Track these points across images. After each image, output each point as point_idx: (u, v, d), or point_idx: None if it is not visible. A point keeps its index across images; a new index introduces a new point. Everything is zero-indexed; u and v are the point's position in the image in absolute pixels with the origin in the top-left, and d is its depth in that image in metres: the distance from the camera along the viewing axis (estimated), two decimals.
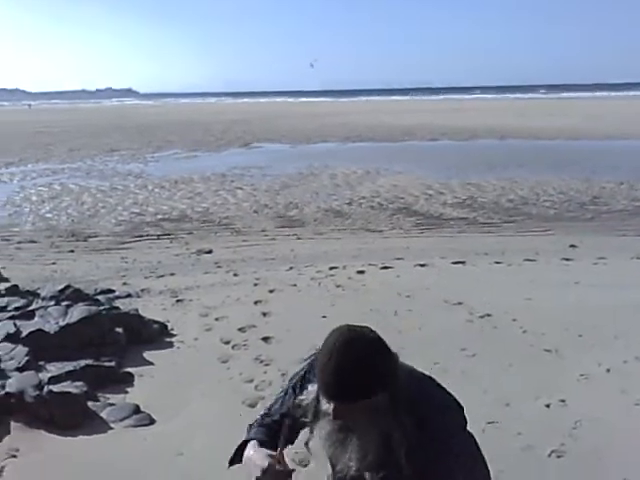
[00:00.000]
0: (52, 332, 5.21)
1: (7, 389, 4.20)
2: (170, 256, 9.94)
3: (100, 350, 5.15)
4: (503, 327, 5.75)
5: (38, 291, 6.58)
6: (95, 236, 11.71)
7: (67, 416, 4.12)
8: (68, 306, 5.76)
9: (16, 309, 5.76)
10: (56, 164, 23.26)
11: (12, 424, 4.07)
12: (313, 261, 9.02)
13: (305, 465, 3.41)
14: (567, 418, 4.04)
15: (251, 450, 1.72)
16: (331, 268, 8.23)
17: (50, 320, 5.45)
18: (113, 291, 7.21)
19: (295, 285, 7.36)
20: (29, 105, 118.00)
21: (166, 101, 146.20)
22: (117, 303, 6.53)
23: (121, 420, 4.20)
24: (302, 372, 1.81)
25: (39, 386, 4.23)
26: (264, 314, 6.27)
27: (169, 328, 5.92)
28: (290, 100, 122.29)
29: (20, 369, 4.58)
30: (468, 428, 1.68)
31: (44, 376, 4.53)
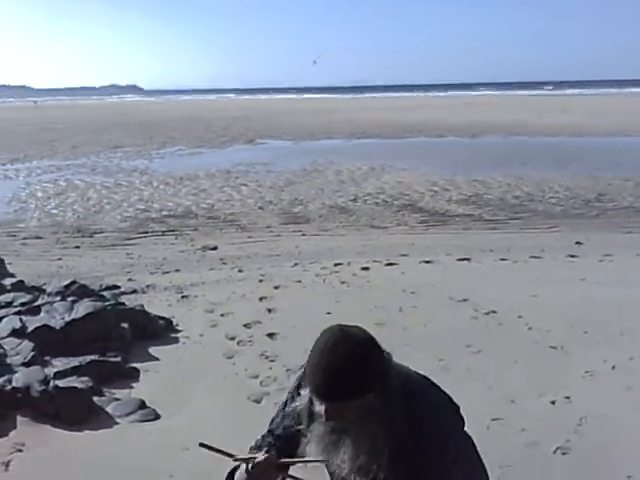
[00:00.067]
0: (58, 327, 5.22)
1: (13, 384, 4.22)
2: (175, 252, 9.96)
3: (106, 345, 5.17)
4: (508, 324, 5.75)
5: (44, 287, 6.60)
6: (100, 232, 11.74)
7: (73, 411, 4.13)
8: (74, 302, 5.77)
9: (22, 304, 5.78)
10: (61, 160, 23.32)
11: (18, 419, 4.09)
12: (318, 257, 9.02)
13: None
14: (572, 415, 4.04)
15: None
16: (336, 264, 8.24)
17: (56, 315, 5.46)
18: (118, 287, 7.22)
19: (300, 281, 7.37)
20: (35, 102, 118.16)
21: (168, 98, 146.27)
22: (122, 299, 6.55)
23: (127, 415, 4.22)
24: (297, 381, 1.80)
25: (45, 381, 4.25)
26: (269, 310, 6.28)
27: (174, 324, 5.93)
28: (293, 97, 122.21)
29: (26, 364, 4.60)
30: (469, 427, 1.67)
31: (50, 371, 4.54)
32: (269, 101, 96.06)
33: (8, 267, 7.94)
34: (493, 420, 3.96)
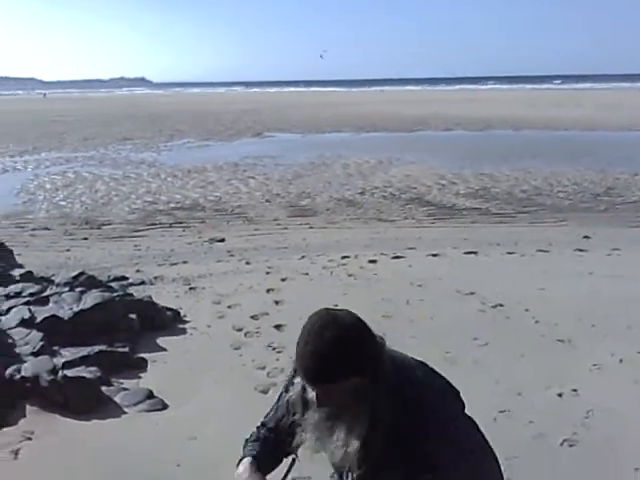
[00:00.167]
0: (66, 318, 5.25)
1: (22, 373, 4.25)
2: (183, 244, 9.99)
3: (114, 336, 5.19)
4: (515, 317, 5.74)
5: (52, 277, 6.64)
6: (108, 224, 11.78)
7: (81, 400, 4.16)
8: (82, 292, 5.80)
9: (31, 295, 5.81)
10: (70, 152, 23.39)
11: (27, 408, 4.12)
12: (325, 250, 9.03)
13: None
14: (579, 408, 4.03)
15: (245, 472, 1.70)
16: (343, 257, 8.24)
17: (64, 306, 5.49)
18: (126, 278, 7.25)
19: (307, 274, 7.38)
20: (44, 94, 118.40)
21: (177, 90, 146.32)
22: (130, 290, 6.57)
23: (134, 405, 4.24)
24: (292, 372, 1.78)
25: (54, 371, 4.28)
26: (276, 302, 6.29)
27: (182, 315, 5.95)
28: (301, 90, 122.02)
29: (35, 354, 4.63)
30: (476, 419, 1.65)
31: (58, 361, 4.57)
32: (278, 94, 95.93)
33: (17, 258, 8.00)
34: (500, 412, 3.97)
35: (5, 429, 3.90)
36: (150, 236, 10.77)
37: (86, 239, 10.63)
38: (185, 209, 12.97)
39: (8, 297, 5.81)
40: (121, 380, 4.63)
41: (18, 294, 5.86)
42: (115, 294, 5.89)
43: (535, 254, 8.40)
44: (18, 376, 4.24)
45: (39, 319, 5.21)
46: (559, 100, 51.21)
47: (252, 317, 5.87)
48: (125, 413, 4.17)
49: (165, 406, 4.26)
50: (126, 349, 5.04)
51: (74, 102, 76.97)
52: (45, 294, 5.84)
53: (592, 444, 3.63)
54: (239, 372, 4.74)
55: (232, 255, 9.03)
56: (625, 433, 3.71)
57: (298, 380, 1.64)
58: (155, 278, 7.41)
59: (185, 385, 4.55)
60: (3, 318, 5.25)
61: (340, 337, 1.47)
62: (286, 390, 1.77)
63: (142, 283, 7.15)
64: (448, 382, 1.64)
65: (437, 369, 1.73)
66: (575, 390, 4.28)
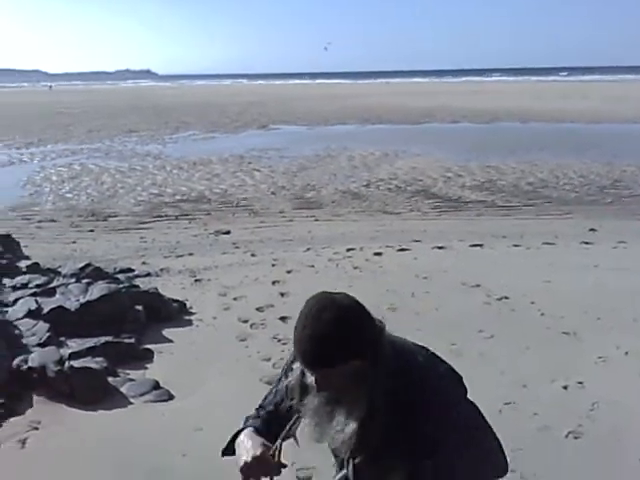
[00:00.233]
0: (73, 309, 5.28)
1: (29, 364, 4.28)
2: (189, 236, 10.01)
3: (120, 327, 5.22)
4: (521, 310, 5.74)
5: (59, 269, 6.67)
6: (114, 216, 11.81)
7: (88, 391, 4.19)
8: (88, 284, 5.83)
9: (37, 286, 5.84)
10: (75, 145, 23.43)
11: (34, 398, 4.16)
12: (330, 243, 9.03)
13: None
14: (584, 400, 4.04)
15: (246, 437, 1.67)
16: (348, 250, 8.24)
17: (71, 297, 5.52)
18: (133, 270, 7.28)
19: (313, 266, 7.38)
20: (50, 86, 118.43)
21: (182, 83, 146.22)
22: (137, 282, 6.59)
23: (141, 395, 4.27)
24: (291, 357, 1.75)
25: (60, 361, 4.30)
26: (282, 294, 6.30)
27: (188, 307, 5.98)
28: (307, 82, 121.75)
29: (41, 345, 4.66)
30: (483, 410, 1.63)
31: (65, 352, 4.60)
32: (283, 86, 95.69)
33: (23, 250, 8.03)
34: (505, 404, 3.97)
35: (12, 419, 3.93)
36: (156, 228, 10.79)
37: (92, 231, 10.66)
38: (191, 201, 12.98)
39: (15, 288, 5.84)
40: (127, 371, 4.66)
41: (25, 285, 5.89)
42: (121, 286, 5.91)
43: (541, 247, 8.38)
44: (25, 366, 4.27)
45: (46, 310, 5.24)
46: (565, 92, 50.95)
47: (258, 309, 5.89)
48: (131, 404, 4.20)
49: (171, 397, 4.29)
50: (132, 340, 5.06)
51: (80, 94, 77.01)
52: (51, 285, 5.88)
53: (597, 436, 3.63)
54: (245, 363, 4.75)
55: (237, 247, 9.04)
56: (630, 425, 3.71)
57: (297, 365, 1.62)
58: (161, 270, 7.43)
59: (191, 376, 4.57)
60: (10, 309, 5.29)
61: (338, 319, 1.44)
62: (285, 375, 1.74)
63: (148, 275, 7.17)
64: (450, 367, 1.61)
65: None
66: (580, 382, 4.28)
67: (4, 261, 6.78)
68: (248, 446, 1.62)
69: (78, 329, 5.07)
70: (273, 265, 7.53)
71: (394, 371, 1.48)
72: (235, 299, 6.22)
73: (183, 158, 19.00)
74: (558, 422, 3.77)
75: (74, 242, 9.76)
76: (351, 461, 1.54)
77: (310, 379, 1.53)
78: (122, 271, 7.08)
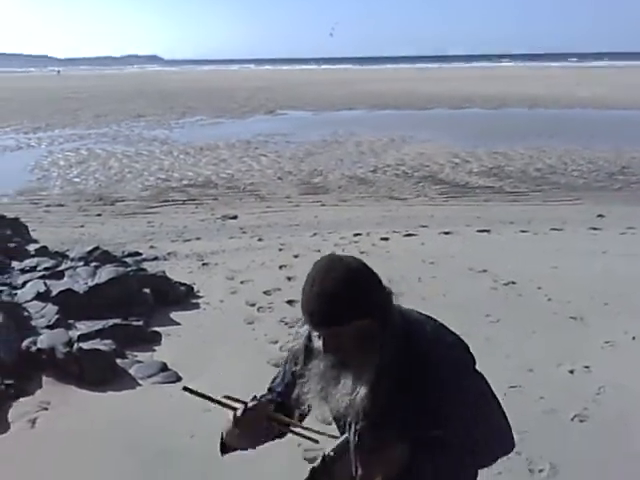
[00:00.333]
0: (81, 292, 5.31)
1: (38, 345, 4.31)
2: (196, 221, 10.03)
3: (128, 310, 5.24)
4: (528, 295, 5.73)
5: (67, 252, 6.70)
6: (122, 200, 11.83)
7: (96, 372, 4.22)
8: (97, 267, 5.86)
9: (46, 269, 5.87)
10: (83, 129, 23.45)
11: (44, 379, 4.20)
12: (337, 228, 9.03)
13: (330, 424, 3.45)
14: (591, 384, 4.04)
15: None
16: (355, 235, 8.24)
17: (79, 280, 5.55)
18: (140, 254, 7.31)
19: (319, 251, 7.38)
20: (58, 71, 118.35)
21: (189, 68, 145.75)
22: (144, 265, 6.62)
23: (148, 377, 4.30)
24: (297, 326, 1.69)
25: (69, 343, 4.33)
26: (289, 278, 6.31)
27: (195, 290, 6.00)
28: (314, 67, 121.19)
29: (50, 327, 4.69)
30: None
31: (74, 334, 4.62)
32: (290, 72, 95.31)
33: (32, 234, 8.07)
34: (511, 388, 3.97)
35: (22, 399, 3.98)
36: (163, 213, 10.81)
37: (100, 215, 10.70)
38: (198, 186, 12.99)
39: (23, 271, 5.87)
40: (135, 353, 4.69)
41: (33, 268, 5.92)
42: (129, 269, 5.93)
43: (549, 232, 8.36)
44: (34, 348, 4.30)
45: (54, 293, 5.27)
46: (575, 78, 50.53)
47: (265, 292, 5.91)
48: (139, 385, 4.23)
49: (179, 378, 4.32)
50: (140, 323, 5.09)
51: (87, 79, 76.96)
52: (60, 268, 5.90)
53: (603, 420, 3.64)
54: (252, 346, 4.78)
55: (244, 232, 9.05)
56: (637, 409, 3.72)
57: (303, 330, 1.61)
58: (168, 254, 7.45)
59: (198, 358, 4.59)
60: (19, 292, 5.32)
61: (347, 278, 1.42)
62: (293, 355, 1.70)
63: (156, 259, 7.20)
64: (458, 337, 1.58)
65: None
66: (587, 367, 4.29)
67: (13, 244, 6.82)
68: (227, 420, 1.57)
69: (87, 312, 5.10)
70: (280, 250, 7.54)
71: (403, 337, 1.46)
72: (242, 283, 6.24)
73: (190, 143, 19.00)
74: (564, 406, 3.78)
75: (82, 226, 9.80)
76: (354, 425, 1.52)
77: (317, 343, 1.50)
78: (130, 255, 7.11)
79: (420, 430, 1.44)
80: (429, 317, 1.60)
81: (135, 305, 5.38)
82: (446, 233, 8.29)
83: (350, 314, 1.42)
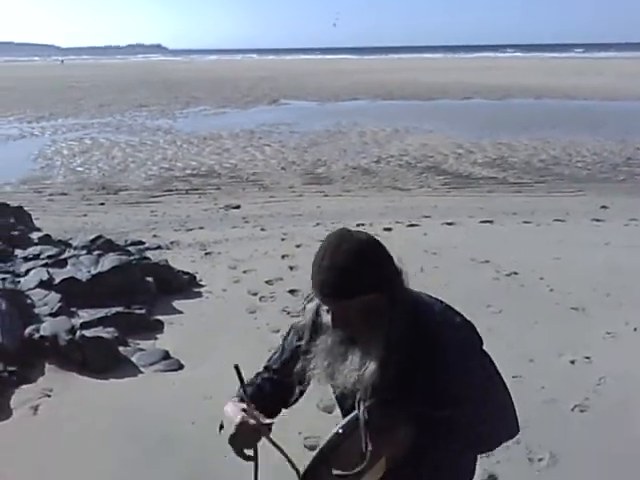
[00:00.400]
0: (84, 280, 5.33)
1: (41, 333, 4.33)
2: (199, 210, 10.04)
3: (131, 298, 5.26)
4: (530, 285, 5.73)
5: (70, 241, 6.72)
6: (125, 189, 11.85)
7: (99, 359, 4.24)
8: (99, 255, 5.87)
9: (49, 257, 5.88)
10: (86, 119, 23.43)
11: (46, 366, 4.22)
12: (340, 218, 9.03)
13: (330, 412, 3.49)
14: (592, 374, 4.05)
15: (228, 407, 1.63)
16: (358, 225, 8.21)
17: (82, 268, 5.56)
18: (143, 243, 7.32)
19: (322, 241, 7.37)
20: (61, 60, 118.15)
21: (193, 57, 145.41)
22: (147, 254, 6.63)
23: (151, 365, 4.32)
24: (304, 302, 1.69)
25: (72, 331, 4.36)
26: (291, 268, 6.32)
27: (198, 279, 6.01)
28: (317, 57, 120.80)
29: (53, 314, 4.71)
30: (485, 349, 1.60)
31: (76, 321, 4.65)
32: (293, 62, 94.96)
33: (35, 222, 8.09)
34: (512, 378, 3.96)
35: (25, 386, 4.00)
36: (166, 202, 10.82)
37: (103, 204, 10.71)
38: (201, 176, 12.99)
39: (27, 259, 5.89)
40: (138, 341, 4.71)
41: (36, 256, 5.94)
42: (132, 258, 5.95)
43: (551, 223, 8.34)
44: (37, 335, 4.33)
45: (57, 281, 5.29)
46: (580, 69, 50.28)
47: (267, 282, 5.92)
48: (142, 373, 4.25)
49: (181, 366, 4.34)
50: (143, 311, 5.11)
51: (91, 68, 76.81)
52: (63, 257, 5.91)
53: (604, 410, 3.65)
54: (254, 335, 4.79)
55: (247, 222, 9.06)
56: (637, 400, 3.73)
57: (310, 306, 1.61)
58: (171, 243, 7.46)
59: (201, 347, 4.61)
60: (22, 279, 5.34)
61: (358, 251, 1.43)
62: (294, 331, 1.72)
63: (158, 248, 7.21)
64: (465, 318, 1.59)
65: None
66: (588, 357, 4.29)
67: (16, 232, 6.83)
68: (229, 417, 1.58)
69: (89, 300, 5.12)
70: (282, 239, 7.54)
71: (413, 315, 1.47)
72: (245, 272, 6.25)
73: (193, 133, 18.99)
74: (565, 396, 3.79)
75: (85, 215, 9.82)
76: (362, 403, 1.51)
77: (326, 318, 1.51)
78: (133, 243, 7.13)
79: (427, 410, 1.44)
80: (437, 299, 1.61)
81: (138, 293, 5.40)
82: (449, 224, 8.28)
83: (360, 287, 1.42)
